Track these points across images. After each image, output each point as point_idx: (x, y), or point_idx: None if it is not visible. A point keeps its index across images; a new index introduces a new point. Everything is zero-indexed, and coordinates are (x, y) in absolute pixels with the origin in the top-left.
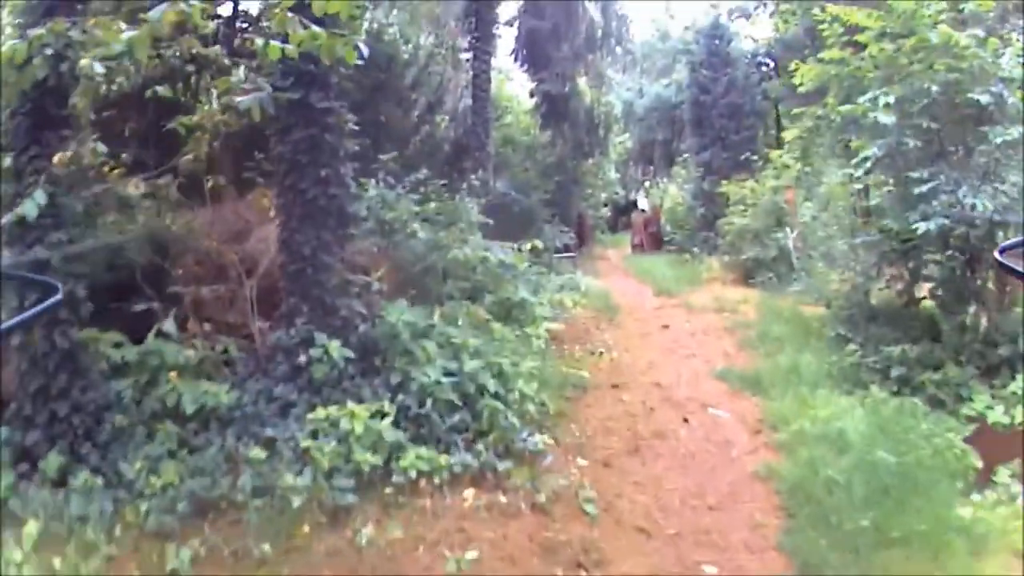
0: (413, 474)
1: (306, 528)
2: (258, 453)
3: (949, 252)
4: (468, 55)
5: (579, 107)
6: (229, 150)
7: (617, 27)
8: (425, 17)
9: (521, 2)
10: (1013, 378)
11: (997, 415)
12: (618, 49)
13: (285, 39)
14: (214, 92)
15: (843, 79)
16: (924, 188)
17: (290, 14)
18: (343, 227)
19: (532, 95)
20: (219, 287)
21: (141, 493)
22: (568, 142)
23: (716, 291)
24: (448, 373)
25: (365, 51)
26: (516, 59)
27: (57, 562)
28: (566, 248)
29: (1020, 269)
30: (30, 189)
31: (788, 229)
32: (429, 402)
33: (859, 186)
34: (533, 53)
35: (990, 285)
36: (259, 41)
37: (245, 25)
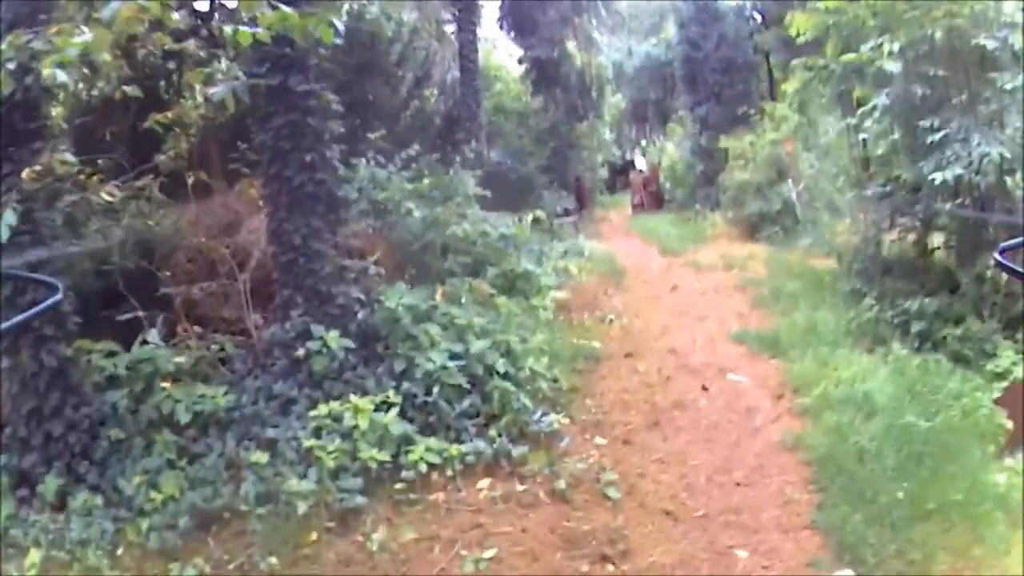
0: (423, 468)
1: (314, 535)
2: (259, 457)
3: (959, 200)
4: (453, 27)
5: (570, 71)
6: (213, 143)
7: None
8: None
9: None
10: None
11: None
12: (604, 11)
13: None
14: (197, 87)
15: (841, 28)
16: (936, 137)
17: None
18: (333, 212)
19: (521, 62)
20: (211, 284)
21: (142, 510)
22: (561, 106)
23: (722, 248)
24: (454, 356)
25: (341, 28)
26: (502, 27)
27: None
28: (566, 212)
29: (1020, 269)
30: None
31: (790, 181)
32: (436, 389)
33: (864, 136)
34: (519, 19)
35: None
36: (227, 28)
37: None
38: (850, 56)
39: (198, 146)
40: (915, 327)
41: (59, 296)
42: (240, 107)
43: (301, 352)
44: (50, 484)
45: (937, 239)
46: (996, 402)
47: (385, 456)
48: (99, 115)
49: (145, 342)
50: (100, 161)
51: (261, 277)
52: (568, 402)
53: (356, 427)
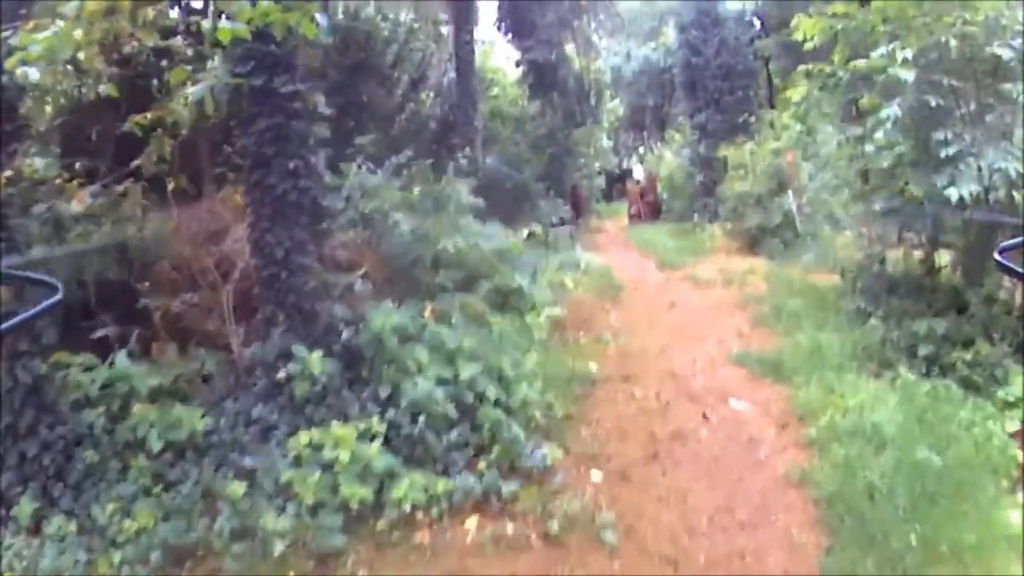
0: (408, 507)
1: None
2: (235, 489)
3: (968, 216)
4: (449, 28)
5: (568, 75)
6: (199, 145)
7: None
8: None
9: None
10: None
11: None
12: (603, 14)
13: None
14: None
15: (850, 33)
16: (950, 150)
17: None
18: (318, 222)
19: (518, 65)
20: (193, 295)
21: (114, 541)
22: (558, 111)
23: (721, 262)
24: (442, 382)
25: (324, 23)
26: (500, 28)
27: None
28: (562, 222)
29: (1020, 269)
30: None
31: (791, 193)
32: (422, 418)
33: (870, 147)
34: (517, 21)
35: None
36: (205, 24)
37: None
38: (860, 63)
39: (183, 149)
40: (923, 350)
41: (59, 296)
42: (229, 108)
43: (283, 374)
44: (25, 507)
45: (944, 257)
46: (1013, 436)
47: (367, 492)
48: (88, 116)
49: (129, 354)
50: (79, 165)
51: (246, 288)
52: (563, 431)
53: (337, 459)
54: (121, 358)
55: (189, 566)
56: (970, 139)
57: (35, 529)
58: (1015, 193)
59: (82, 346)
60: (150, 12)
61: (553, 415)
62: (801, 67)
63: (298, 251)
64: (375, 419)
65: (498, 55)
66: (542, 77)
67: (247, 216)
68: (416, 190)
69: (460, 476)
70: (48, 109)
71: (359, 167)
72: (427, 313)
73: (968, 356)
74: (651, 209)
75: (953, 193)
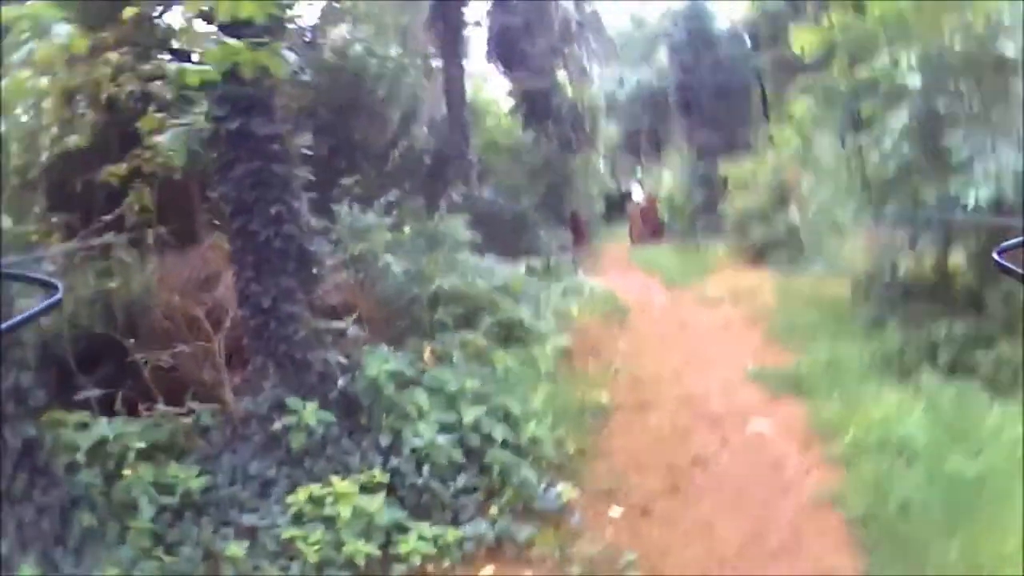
0: (417, 560)
1: None
2: (236, 550)
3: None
4: (440, 62)
5: (562, 102)
6: (183, 192)
7: (591, 17)
8: (391, 27)
9: (489, 1)
10: None
11: None
12: (594, 41)
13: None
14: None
15: (849, 44)
16: (963, 156)
17: (204, 28)
18: (305, 268)
19: (511, 95)
20: (183, 347)
21: None
22: (553, 140)
23: (728, 278)
24: (445, 427)
25: (292, 58)
26: (490, 59)
27: None
28: (563, 249)
29: (1020, 270)
30: None
31: (794, 206)
32: (426, 467)
33: (875, 156)
34: (507, 51)
35: None
36: (170, 67)
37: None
38: (863, 73)
39: (167, 196)
40: (944, 353)
41: (59, 296)
42: (209, 153)
43: (278, 426)
44: (26, 573)
45: (957, 257)
46: None
47: (372, 548)
48: (67, 167)
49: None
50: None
51: (240, 336)
52: (576, 468)
53: (339, 515)
54: (101, 425)
55: None
56: (982, 142)
57: None
58: None
59: (75, 403)
60: (112, 56)
61: (565, 451)
62: (800, 80)
63: (286, 299)
64: (377, 470)
65: (492, 86)
66: (534, 106)
67: (233, 264)
68: (407, 229)
69: (471, 523)
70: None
71: (350, 207)
72: (426, 355)
73: (991, 356)
74: (653, 230)
75: (971, 199)
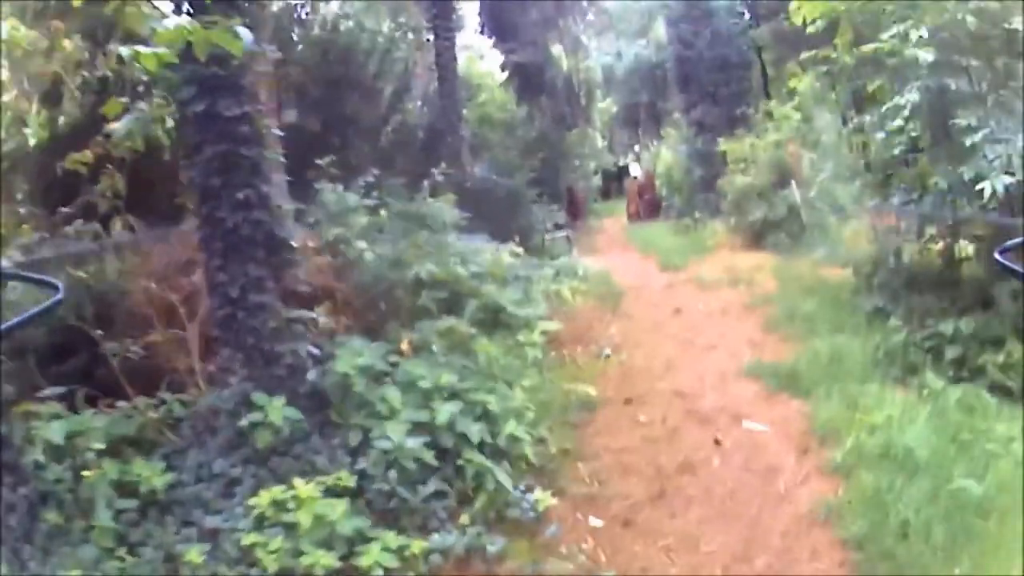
0: (380, 573)
1: None
2: (195, 555)
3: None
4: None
5: (556, 76)
6: (154, 177)
7: None
8: (382, 1)
9: None
10: None
11: None
12: (590, 13)
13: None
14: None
15: (855, 16)
16: (977, 137)
17: (150, 7)
18: (276, 256)
19: (504, 68)
20: (156, 336)
21: None
22: (547, 114)
23: (726, 259)
24: (417, 426)
25: (249, 37)
26: (483, 31)
27: None
28: (557, 227)
29: (1020, 269)
30: None
31: (794, 185)
32: (394, 472)
33: (880, 135)
34: (500, 23)
35: None
36: (124, 51)
37: None
38: (870, 47)
39: (137, 181)
40: (950, 352)
41: (60, 296)
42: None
43: (245, 422)
44: None
45: (966, 248)
46: None
47: (332, 560)
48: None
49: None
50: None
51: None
52: (558, 470)
53: (299, 523)
54: (69, 419)
55: None
56: (995, 124)
57: None
58: None
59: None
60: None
61: (547, 452)
62: (802, 55)
63: (254, 288)
64: (345, 471)
65: (487, 60)
66: (528, 79)
67: (202, 252)
68: (383, 213)
69: (440, 533)
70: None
71: (335, 187)
72: (404, 345)
73: (999, 358)
74: (650, 207)
75: (987, 187)
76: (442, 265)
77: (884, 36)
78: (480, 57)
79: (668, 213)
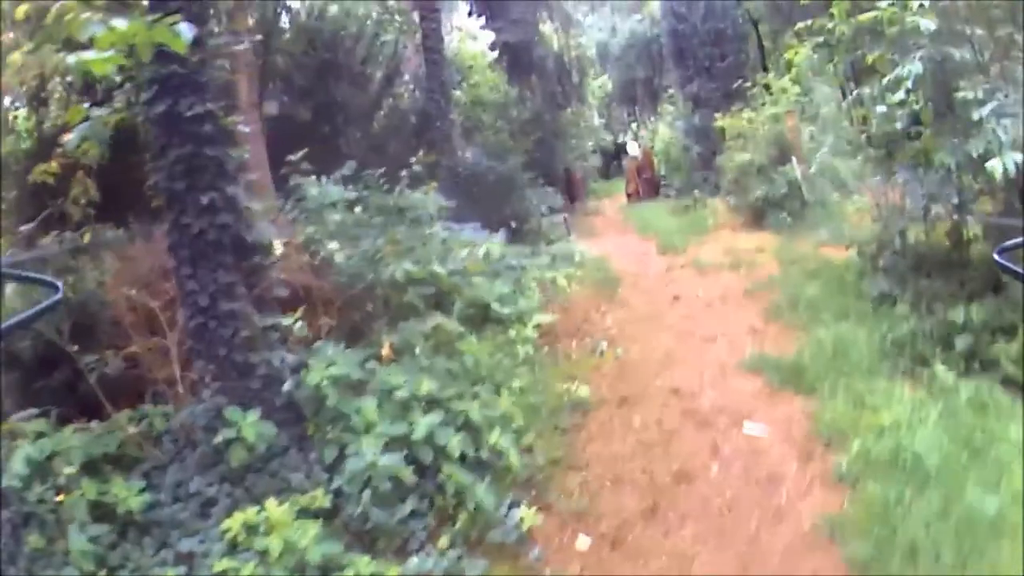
0: None
1: None
2: None
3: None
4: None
5: (546, 55)
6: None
7: None
8: None
9: None
10: None
11: None
12: None
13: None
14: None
15: None
16: (984, 111)
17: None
18: (247, 260)
19: (493, 48)
20: (136, 346)
21: None
22: (539, 94)
23: (726, 240)
24: (394, 440)
25: (189, 33)
26: (471, 11)
27: None
28: (552, 210)
29: (1020, 269)
30: None
31: (795, 160)
32: (368, 492)
33: (880, 108)
34: (488, 2)
35: None
36: (71, 59)
37: None
38: (868, 16)
39: (109, 188)
40: (960, 342)
41: (59, 296)
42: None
43: (220, 439)
44: None
45: (973, 226)
46: None
47: None
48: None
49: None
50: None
51: None
52: (545, 482)
53: (269, 548)
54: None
55: None
56: (1003, 97)
57: None
58: None
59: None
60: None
61: (534, 463)
62: (801, 25)
63: (225, 296)
64: (320, 491)
65: (478, 40)
66: (518, 59)
67: (171, 259)
68: (358, 209)
69: (418, 556)
70: None
71: (318, 180)
72: (385, 349)
73: (1012, 349)
74: (649, 186)
75: (998, 167)
76: (422, 261)
77: (883, 3)
78: (473, 38)
79: (667, 191)
